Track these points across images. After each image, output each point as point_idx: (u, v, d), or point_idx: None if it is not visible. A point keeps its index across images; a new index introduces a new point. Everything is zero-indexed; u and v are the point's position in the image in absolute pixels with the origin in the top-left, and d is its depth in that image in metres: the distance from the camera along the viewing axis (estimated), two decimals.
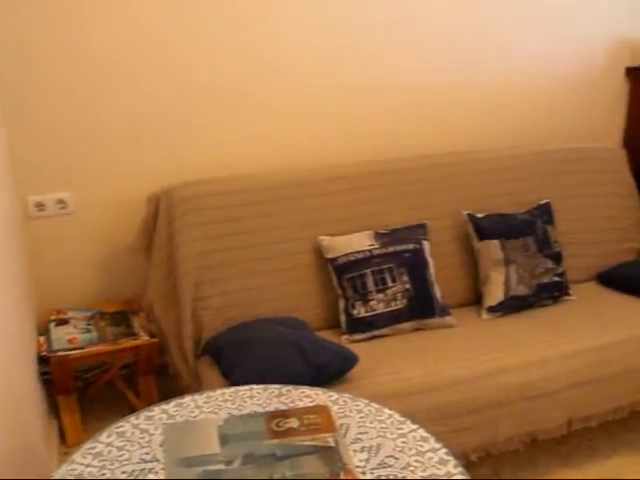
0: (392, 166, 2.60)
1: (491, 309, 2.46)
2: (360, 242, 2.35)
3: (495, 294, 2.46)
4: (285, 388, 1.51)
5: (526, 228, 2.51)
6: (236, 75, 2.53)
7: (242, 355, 1.99)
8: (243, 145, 2.62)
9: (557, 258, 2.55)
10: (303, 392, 1.51)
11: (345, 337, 2.31)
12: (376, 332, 2.30)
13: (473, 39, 2.82)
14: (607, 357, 2.24)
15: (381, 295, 2.31)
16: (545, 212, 2.58)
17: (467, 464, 2.07)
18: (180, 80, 2.47)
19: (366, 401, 1.48)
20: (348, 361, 2.00)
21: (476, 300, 2.56)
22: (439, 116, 2.85)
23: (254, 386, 1.54)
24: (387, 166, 2.59)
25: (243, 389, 1.54)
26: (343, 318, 2.34)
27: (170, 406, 1.49)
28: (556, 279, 2.53)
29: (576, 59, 3.01)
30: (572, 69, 3.02)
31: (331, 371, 1.97)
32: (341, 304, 2.35)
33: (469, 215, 2.52)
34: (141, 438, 1.38)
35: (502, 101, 2.95)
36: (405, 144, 2.80)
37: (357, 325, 2.30)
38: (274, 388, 1.53)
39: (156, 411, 1.48)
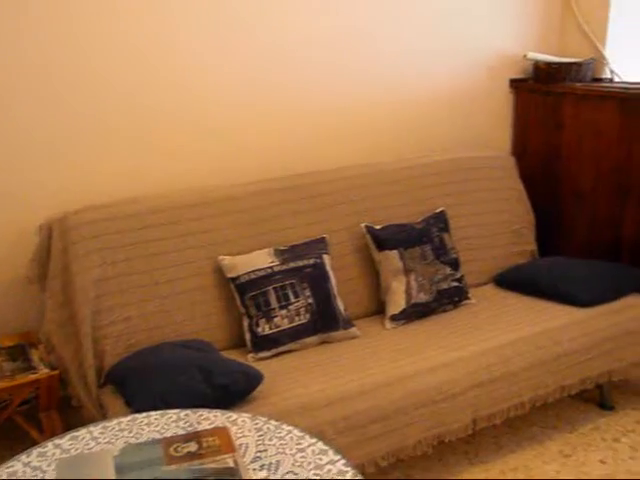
0: (289, 182, 2.62)
1: (394, 318, 2.51)
2: (261, 260, 2.36)
3: (397, 303, 2.52)
4: (183, 412, 1.50)
5: (423, 237, 2.58)
6: (120, 100, 2.50)
7: (143, 382, 1.95)
8: (137, 170, 2.58)
9: (454, 264, 2.63)
10: (202, 415, 1.50)
11: (251, 355, 2.31)
12: (282, 348, 2.31)
13: (366, 56, 2.90)
14: (505, 356, 2.32)
15: (284, 311, 2.32)
16: (440, 220, 2.67)
17: (378, 471, 2.11)
18: (66, 106, 2.42)
19: (264, 419, 1.49)
20: (252, 380, 1.99)
21: (379, 310, 2.61)
22: (334, 131, 2.91)
23: (152, 413, 1.52)
24: (284, 183, 2.62)
25: (140, 417, 1.51)
26: (248, 336, 2.34)
27: (64, 440, 1.45)
28: (455, 284, 2.62)
29: (464, 73, 3.14)
30: (462, 82, 3.15)
31: (236, 391, 1.96)
32: (245, 323, 2.35)
33: (367, 227, 2.57)
34: (33, 476, 1.34)
35: (398, 115, 3.04)
36: (301, 160, 2.83)
37: (262, 343, 2.30)
38: (172, 413, 1.52)
39: (49, 447, 1.43)
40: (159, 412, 1.52)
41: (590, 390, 2.62)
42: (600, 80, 3.19)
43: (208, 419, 1.49)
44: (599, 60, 3.18)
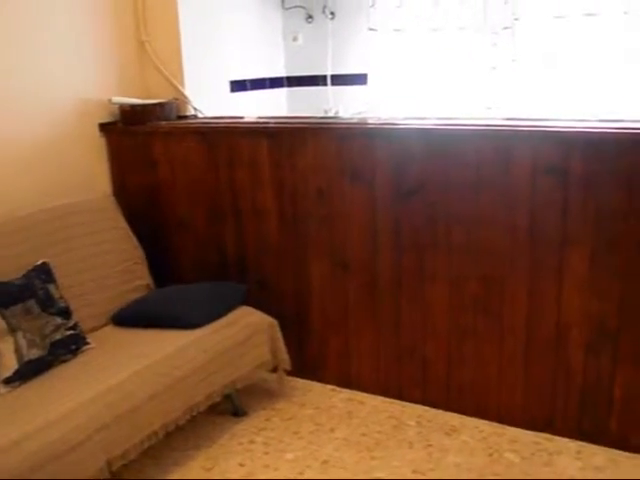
0: None
1: (8, 381, 2.39)
2: None
3: (9, 365, 2.40)
4: None
5: (25, 292, 2.51)
6: None
7: None
8: None
9: (65, 313, 2.61)
10: None
11: None
12: None
13: None
14: (127, 391, 2.37)
15: None
16: (43, 272, 2.62)
17: None
18: None
19: None
20: None
21: None
22: None
23: None
24: None
25: None
26: None
27: None
28: (69, 333, 2.59)
29: (53, 121, 3.13)
30: (53, 131, 3.13)
31: None
32: None
33: None
34: None
35: None
36: None
37: None
38: None
39: None
40: None
41: (222, 402, 2.81)
42: (185, 117, 3.45)
43: None
44: (182, 99, 3.44)
